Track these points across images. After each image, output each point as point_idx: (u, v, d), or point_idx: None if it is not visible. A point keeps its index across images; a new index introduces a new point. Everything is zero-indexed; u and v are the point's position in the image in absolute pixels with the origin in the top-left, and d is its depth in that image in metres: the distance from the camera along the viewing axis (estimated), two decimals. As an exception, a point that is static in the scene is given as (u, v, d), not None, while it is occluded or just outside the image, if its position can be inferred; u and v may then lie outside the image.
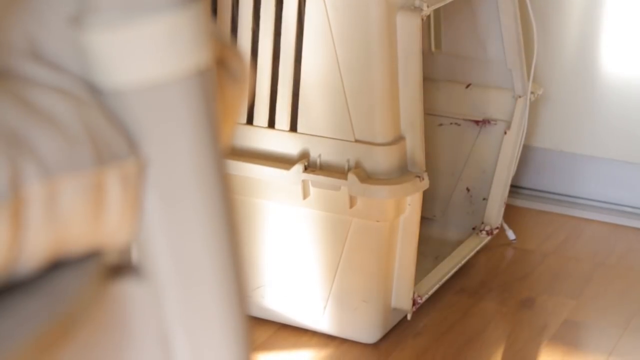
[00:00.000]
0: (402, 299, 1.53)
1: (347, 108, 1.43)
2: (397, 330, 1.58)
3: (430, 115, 1.82)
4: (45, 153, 0.56)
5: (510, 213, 1.95)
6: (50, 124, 0.57)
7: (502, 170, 1.78)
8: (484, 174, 1.80)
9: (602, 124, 1.97)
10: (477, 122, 1.81)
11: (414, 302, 1.55)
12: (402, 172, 1.45)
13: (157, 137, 0.60)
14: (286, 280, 1.55)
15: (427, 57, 1.81)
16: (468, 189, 1.82)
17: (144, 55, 0.59)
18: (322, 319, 1.55)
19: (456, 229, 1.82)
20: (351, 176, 1.41)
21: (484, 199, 1.80)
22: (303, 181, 1.45)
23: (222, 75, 0.67)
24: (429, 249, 1.76)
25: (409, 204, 1.47)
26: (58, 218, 0.57)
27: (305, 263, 1.52)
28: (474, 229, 1.81)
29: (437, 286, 1.62)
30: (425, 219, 1.75)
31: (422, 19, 1.42)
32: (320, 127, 1.45)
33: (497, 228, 1.81)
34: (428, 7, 1.44)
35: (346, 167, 1.44)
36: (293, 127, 1.47)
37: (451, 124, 1.83)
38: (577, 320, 1.63)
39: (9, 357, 0.53)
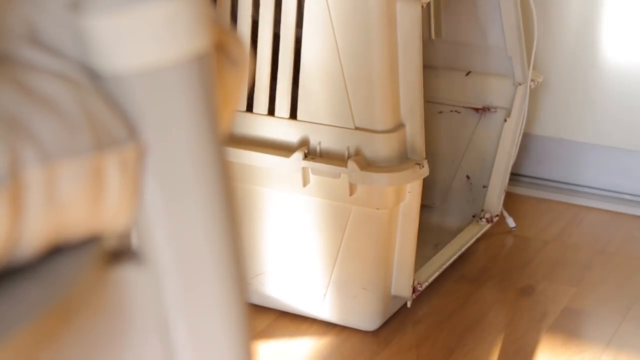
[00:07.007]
0: (402, 287, 1.53)
1: (347, 95, 1.43)
2: (397, 317, 1.59)
3: (430, 102, 1.82)
4: (44, 138, 0.56)
5: (510, 201, 1.95)
6: (49, 109, 0.57)
7: (502, 158, 1.78)
8: (484, 162, 1.80)
9: (602, 112, 1.97)
10: (477, 109, 1.81)
11: (414, 290, 1.55)
12: (402, 159, 1.44)
13: (156, 123, 0.60)
14: (286, 268, 1.55)
15: (427, 44, 1.80)
16: (468, 177, 1.82)
17: (143, 40, 0.58)
18: (322, 307, 1.55)
19: (456, 216, 1.82)
20: (351, 164, 1.41)
21: (484, 186, 1.80)
22: (303, 169, 1.45)
23: (221, 61, 0.67)
24: (429, 237, 1.76)
25: (409, 192, 1.47)
26: (57, 203, 0.57)
27: (305, 250, 1.52)
28: (474, 216, 1.81)
29: (437, 274, 1.62)
30: (425, 207, 1.75)
31: (422, 7, 1.42)
32: (320, 114, 1.45)
33: (497, 216, 1.81)
34: (428, -6, 1.44)
35: (346, 154, 1.44)
36: (293, 115, 1.47)
37: (451, 111, 1.83)
38: (576, 307, 1.63)
39: (8, 342, 0.53)
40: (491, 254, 1.79)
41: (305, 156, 1.45)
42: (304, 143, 1.46)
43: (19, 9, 0.61)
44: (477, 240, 1.79)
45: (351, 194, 1.44)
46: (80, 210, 0.58)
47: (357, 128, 1.43)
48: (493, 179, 1.79)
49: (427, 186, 1.78)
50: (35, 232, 0.56)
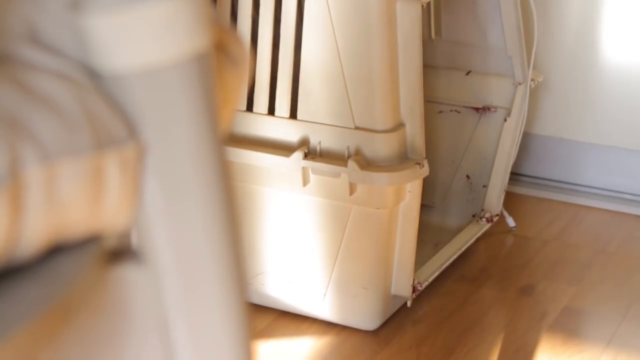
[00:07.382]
0: (402, 286, 1.53)
1: (347, 95, 1.43)
2: (397, 317, 1.58)
3: (430, 102, 1.82)
4: (44, 137, 0.56)
5: (511, 200, 1.95)
6: (49, 108, 0.57)
7: (502, 158, 1.78)
8: (484, 161, 1.80)
9: (602, 112, 1.97)
10: (477, 109, 1.81)
11: (414, 289, 1.55)
12: (402, 159, 1.44)
13: (156, 122, 0.60)
14: (286, 268, 1.55)
15: (427, 44, 1.80)
16: (468, 176, 1.81)
17: (143, 39, 0.58)
18: (322, 306, 1.55)
19: (456, 216, 1.82)
20: (351, 163, 1.41)
21: (484, 186, 1.80)
22: (303, 168, 1.45)
23: (221, 60, 0.67)
24: (429, 237, 1.76)
25: (409, 191, 1.47)
26: (57, 202, 0.57)
27: (305, 250, 1.52)
28: (474, 216, 1.81)
29: (437, 273, 1.62)
30: (425, 206, 1.75)
31: (422, 6, 1.42)
32: (320, 114, 1.45)
33: (497, 215, 1.80)
34: (428, -7, 1.44)
35: (346, 154, 1.44)
36: (293, 114, 1.47)
37: (451, 111, 1.83)
38: (576, 307, 1.63)
39: (8, 342, 0.53)
40: (491, 254, 1.79)
41: (305, 156, 1.45)
42: (304, 143, 1.46)
43: (19, 8, 0.61)
44: (477, 239, 1.78)
45: (351, 193, 1.44)
46: (80, 210, 0.58)
47: (357, 128, 1.43)
48: (493, 179, 1.79)
49: (427, 186, 1.78)
50: (35, 231, 0.56)
